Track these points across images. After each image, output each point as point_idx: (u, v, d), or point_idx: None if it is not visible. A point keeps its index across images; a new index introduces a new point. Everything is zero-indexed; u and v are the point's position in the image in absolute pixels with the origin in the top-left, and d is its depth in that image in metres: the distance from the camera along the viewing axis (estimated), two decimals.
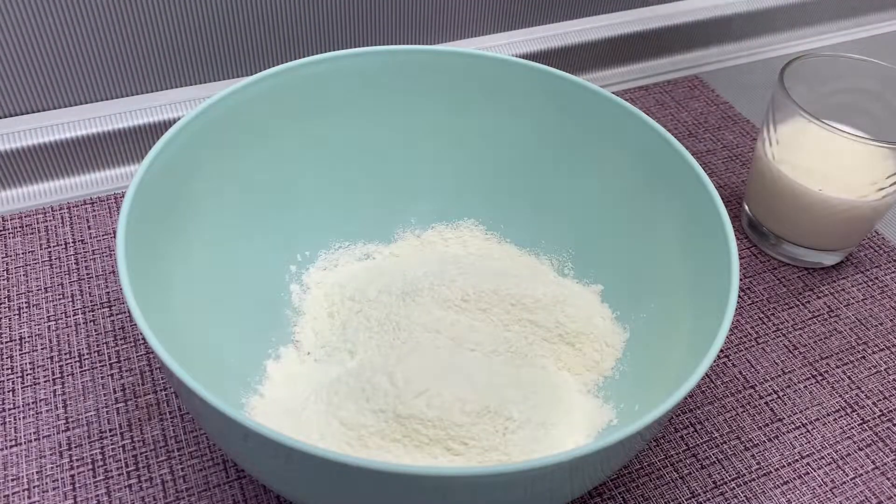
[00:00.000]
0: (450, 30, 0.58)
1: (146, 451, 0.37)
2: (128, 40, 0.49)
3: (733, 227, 0.41)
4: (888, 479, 0.38)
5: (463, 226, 0.45)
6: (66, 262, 0.45)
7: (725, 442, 0.39)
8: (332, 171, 0.43)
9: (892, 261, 0.49)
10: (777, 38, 0.69)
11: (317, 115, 0.41)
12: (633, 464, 0.38)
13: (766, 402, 0.41)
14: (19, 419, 0.38)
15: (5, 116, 0.49)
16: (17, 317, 0.42)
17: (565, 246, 0.43)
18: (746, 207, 0.50)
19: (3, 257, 0.45)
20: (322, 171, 0.42)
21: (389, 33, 0.56)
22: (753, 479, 0.38)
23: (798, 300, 0.46)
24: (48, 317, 0.42)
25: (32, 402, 0.38)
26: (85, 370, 0.40)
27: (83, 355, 0.40)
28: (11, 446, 0.37)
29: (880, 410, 0.41)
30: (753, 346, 0.44)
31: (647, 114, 0.57)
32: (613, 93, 0.53)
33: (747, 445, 0.39)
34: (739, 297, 0.46)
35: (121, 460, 0.36)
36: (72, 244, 0.46)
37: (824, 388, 0.42)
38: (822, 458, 0.39)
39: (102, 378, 0.40)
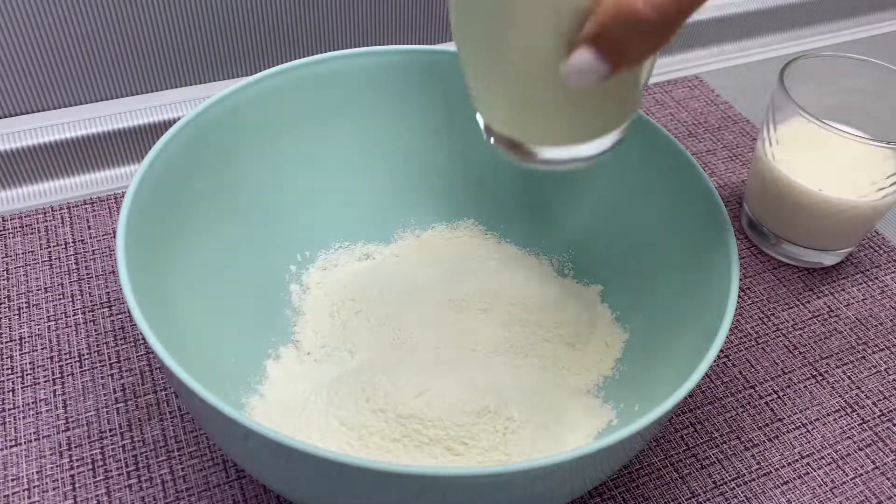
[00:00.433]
0: (450, 30, 0.58)
1: (146, 451, 0.37)
2: (128, 40, 0.49)
3: (733, 227, 0.41)
4: (888, 479, 0.38)
5: (463, 226, 0.45)
6: (66, 262, 0.45)
7: (725, 442, 0.39)
8: (332, 171, 0.43)
9: (892, 261, 0.49)
10: (777, 38, 0.69)
11: (317, 115, 0.41)
12: (633, 464, 0.38)
13: (766, 402, 0.41)
14: (19, 419, 0.38)
15: (5, 116, 0.49)
16: (17, 317, 0.42)
17: (565, 246, 0.43)
18: (746, 207, 0.50)
19: (3, 257, 0.45)
20: (322, 171, 0.42)
21: (389, 33, 0.56)
22: (753, 479, 0.38)
23: (798, 300, 0.46)
24: (48, 317, 0.42)
25: (32, 402, 0.38)
26: (85, 370, 0.40)
27: (83, 355, 0.40)
28: (11, 446, 0.37)
29: (880, 410, 0.41)
30: (753, 346, 0.44)
31: (647, 113, 0.57)
32: None
33: (747, 445, 0.39)
34: (739, 297, 0.46)
35: (121, 460, 0.36)
36: (72, 244, 0.46)
37: (824, 388, 0.42)
38: (822, 458, 0.39)
39: (102, 378, 0.39)
